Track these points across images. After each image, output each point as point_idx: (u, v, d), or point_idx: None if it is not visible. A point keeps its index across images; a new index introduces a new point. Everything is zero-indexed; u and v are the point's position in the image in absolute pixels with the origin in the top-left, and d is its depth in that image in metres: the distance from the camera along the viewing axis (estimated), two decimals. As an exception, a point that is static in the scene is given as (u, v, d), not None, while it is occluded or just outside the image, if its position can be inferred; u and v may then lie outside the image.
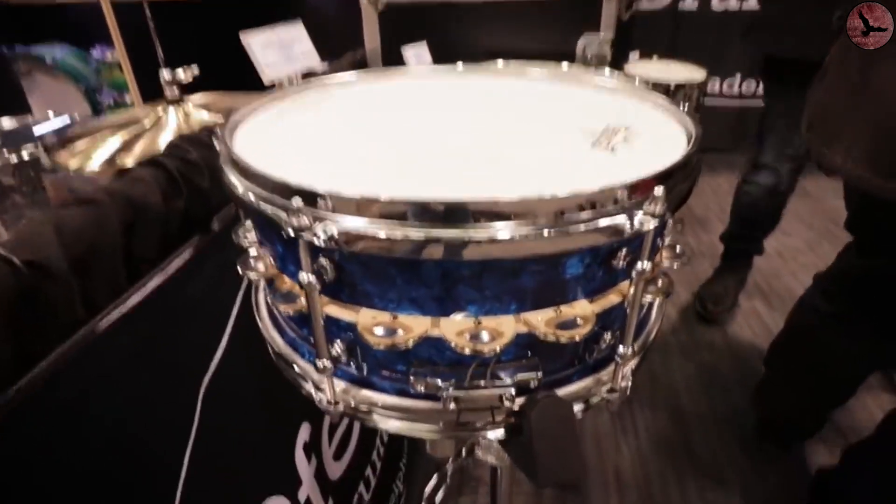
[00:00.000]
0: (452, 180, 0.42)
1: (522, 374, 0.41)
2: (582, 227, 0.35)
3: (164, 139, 0.98)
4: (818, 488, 1.25)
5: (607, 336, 0.44)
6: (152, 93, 1.04)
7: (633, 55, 2.06)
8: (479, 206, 0.34)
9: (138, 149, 0.98)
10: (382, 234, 0.35)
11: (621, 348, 0.43)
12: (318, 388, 0.45)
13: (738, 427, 1.51)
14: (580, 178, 0.41)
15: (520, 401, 0.41)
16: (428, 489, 0.92)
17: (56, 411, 0.46)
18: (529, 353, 0.42)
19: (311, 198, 0.35)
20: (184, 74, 1.01)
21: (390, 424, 0.44)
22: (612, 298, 0.43)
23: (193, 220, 0.70)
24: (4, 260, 0.46)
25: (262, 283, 0.55)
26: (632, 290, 0.40)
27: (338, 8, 1.84)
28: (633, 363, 0.45)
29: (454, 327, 0.40)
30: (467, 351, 0.39)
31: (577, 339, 0.41)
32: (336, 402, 0.44)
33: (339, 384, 0.45)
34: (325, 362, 0.41)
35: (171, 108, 1.01)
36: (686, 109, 0.51)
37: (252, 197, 0.40)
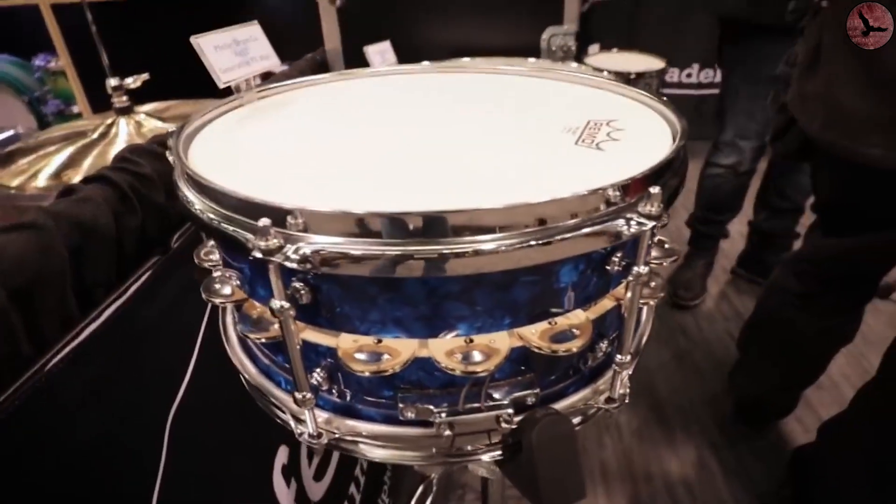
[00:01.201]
0: (432, 189, 0.39)
1: (519, 393, 0.39)
2: (575, 233, 0.33)
3: (115, 152, 0.92)
4: (797, 466, 1.27)
5: (603, 344, 0.42)
6: (103, 102, 0.97)
7: (593, 48, 2.06)
8: (461, 219, 0.31)
9: (87, 163, 0.92)
10: (359, 252, 0.31)
11: (619, 356, 0.40)
12: (298, 419, 0.41)
13: (716, 411, 1.53)
14: (569, 180, 0.39)
15: (517, 419, 0.38)
16: (414, 502, 0.89)
17: (3, 461, 0.41)
18: (523, 368, 0.39)
19: (279, 216, 0.32)
20: (133, 82, 0.95)
21: (378, 454, 0.41)
22: (606, 304, 0.41)
23: (150, 239, 0.65)
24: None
25: (231, 308, 0.51)
26: (629, 295, 0.38)
27: (295, 7, 1.77)
28: (630, 370, 0.43)
29: (443, 347, 0.37)
30: (459, 372, 0.36)
31: (575, 350, 0.38)
32: (319, 435, 0.40)
33: (322, 414, 0.41)
34: (305, 394, 0.38)
35: (121, 119, 0.95)
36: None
37: (212, 216, 0.36)
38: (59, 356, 0.50)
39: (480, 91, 0.62)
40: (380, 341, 0.38)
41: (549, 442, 0.37)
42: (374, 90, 0.63)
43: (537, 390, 0.39)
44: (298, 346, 0.36)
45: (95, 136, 0.93)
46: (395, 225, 0.31)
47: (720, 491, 1.33)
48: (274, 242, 0.32)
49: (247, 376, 0.46)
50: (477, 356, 0.36)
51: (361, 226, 0.31)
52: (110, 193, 0.58)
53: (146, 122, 0.98)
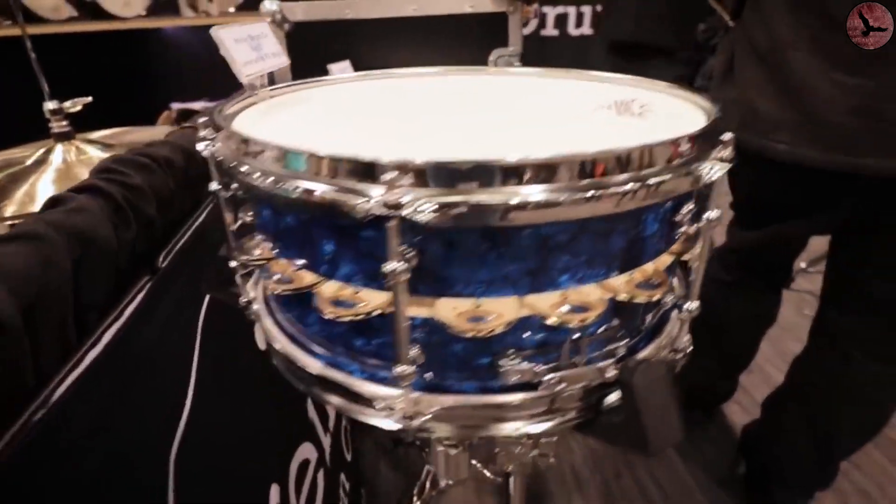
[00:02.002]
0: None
1: (612, 345, 0.40)
2: (669, 175, 0.35)
3: (48, 180, 0.83)
4: (747, 444, 1.38)
5: (669, 297, 0.45)
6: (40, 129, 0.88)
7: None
8: (601, 156, 0.32)
9: (20, 193, 0.81)
10: (497, 201, 0.31)
11: (688, 304, 0.43)
12: (388, 407, 0.39)
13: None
14: (631, 139, 0.42)
15: (613, 370, 0.39)
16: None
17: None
18: (615, 320, 0.40)
19: (403, 170, 0.31)
20: (71, 105, 0.87)
21: (474, 431, 0.40)
22: (666, 259, 0.44)
23: (139, 255, 0.59)
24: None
25: (271, 309, 0.47)
26: (700, 242, 0.41)
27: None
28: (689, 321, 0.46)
29: (547, 301, 0.37)
30: (571, 324, 0.37)
31: (657, 298, 0.40)
32: (413, 416, 0.38)
33: (410, 395, 0.39)
34: (405, 368, 0.36)
35: (59, 145, 0.86)
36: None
37: (301, 185, 0.34)
38: (62, 387, 0.44)
39: (503, 87, 0.64)
40: (478, 306, 0.37)
41: (651, 385, 0.38)
42: (399, 87, 0.63)
43: (627, 340, 0.40)
44: (406, 315, 0.35)
45: (30, 162, 0.83)
46: (545, 169, 0.31)
47: (684, 477, 1.40)
48: (401, 198, 0.31)
49: (310, 372, 0.43)
50: (579, 309, 0.37)
51: (499, 174, 0.31)
52: (104, 204, 0.52)
53: (87, 148, 0.89)
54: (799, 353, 1.21)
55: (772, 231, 1.18)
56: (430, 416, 0.39)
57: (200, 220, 0.71)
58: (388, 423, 0.39)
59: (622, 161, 0.33)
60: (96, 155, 0.90)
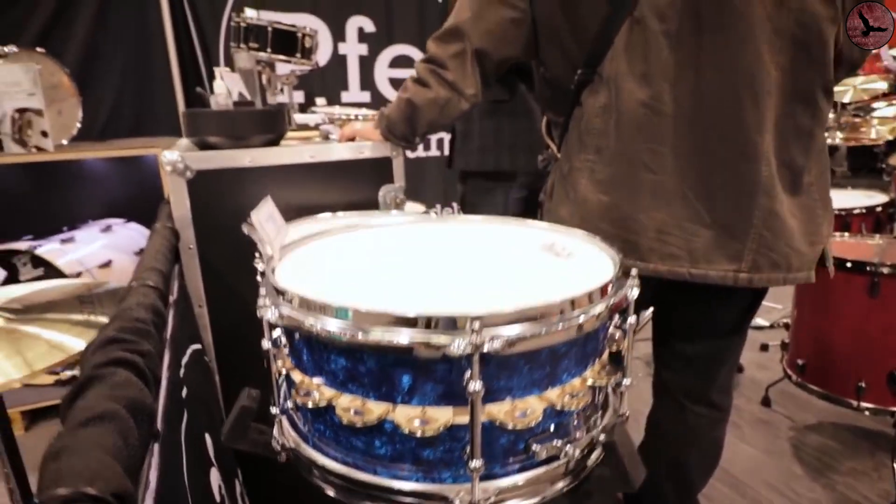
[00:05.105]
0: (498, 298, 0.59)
1: (592, 418, 0.58)
2: (608, 301, 0.56)
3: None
4: (628, 497, 1.57)
5: (614, 378, 0.65)
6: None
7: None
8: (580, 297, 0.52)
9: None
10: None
11: (624, 380, 0.64)
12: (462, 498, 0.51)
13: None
14: (575, 277, 0.63)
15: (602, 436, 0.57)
16: None
17: None
18: (596, 403, 0.59)
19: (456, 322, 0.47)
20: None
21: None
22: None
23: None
24: None
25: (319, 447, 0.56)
26: (627, 338, 0.62)
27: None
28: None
29: (563, 395, 0.54)
30: (567, 408, 0.54)
31: (612, 379, 0.60)
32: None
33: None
34: (478, 462, 0.49)
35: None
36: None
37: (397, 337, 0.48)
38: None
39: (462, 234, 0.84)
40: (515, 406, 0.53)
41: (623, 441, 0.57)
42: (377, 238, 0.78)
43: (599, 413, 0.59)
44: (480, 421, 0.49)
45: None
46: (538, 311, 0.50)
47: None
48: (476, 338, 0.46)
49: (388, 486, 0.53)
50: (575, 395, 0.55)
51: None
52: (135, 379, 0.55)
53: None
54: (651, 409, 1.49)
55: None
56: (493, 499, 0.52)
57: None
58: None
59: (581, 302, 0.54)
60: None
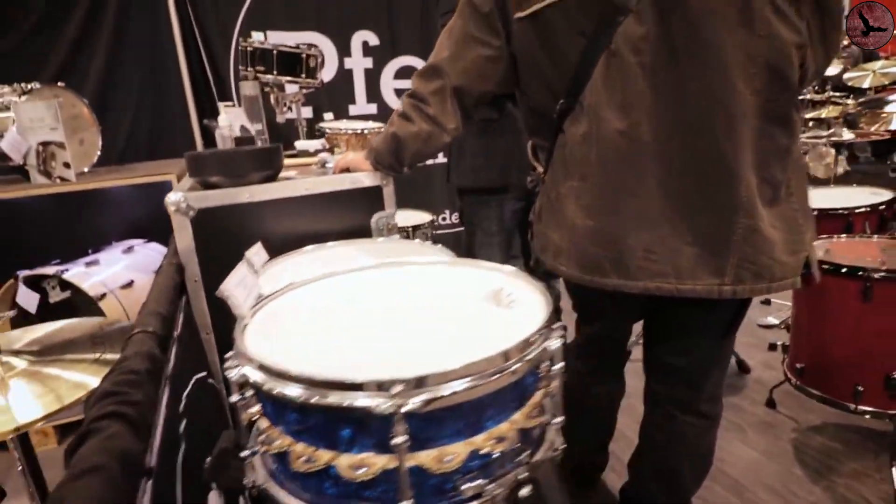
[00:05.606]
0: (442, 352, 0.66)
1: (520, 457, 0.65)
2: (535, 348, 0.63)
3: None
4: (624, 502, 1.65)
5: (545, 417, 0.72)
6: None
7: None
8: (513, 349, 0.59)
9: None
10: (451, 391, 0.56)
11: (556, 419, 0.70)
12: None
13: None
14: (512, 326, 0.70)
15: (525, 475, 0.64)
16: None
17: None
18: (518, 443, 0.66)
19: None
20: None
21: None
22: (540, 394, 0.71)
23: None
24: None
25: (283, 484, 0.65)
26: (556, 382, 0.69)
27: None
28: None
29: (488, 440, 0.62)
30: (492, 451, 0.61)
31: (541, 421, 0.67)
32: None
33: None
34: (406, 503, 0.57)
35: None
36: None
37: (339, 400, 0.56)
38: None
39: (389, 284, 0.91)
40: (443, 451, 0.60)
41: (549, 475, 0.64)
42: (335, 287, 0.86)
43: (528, 451, 0.66)
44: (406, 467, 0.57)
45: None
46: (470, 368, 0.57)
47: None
48: (399, 399, 0.54)
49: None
50: (500, 439, 0.62)
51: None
52: (128, 430, 0.64)
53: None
54: (642, 418, 1.53)
55: (598, 325, 1.54)
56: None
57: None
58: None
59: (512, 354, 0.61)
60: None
